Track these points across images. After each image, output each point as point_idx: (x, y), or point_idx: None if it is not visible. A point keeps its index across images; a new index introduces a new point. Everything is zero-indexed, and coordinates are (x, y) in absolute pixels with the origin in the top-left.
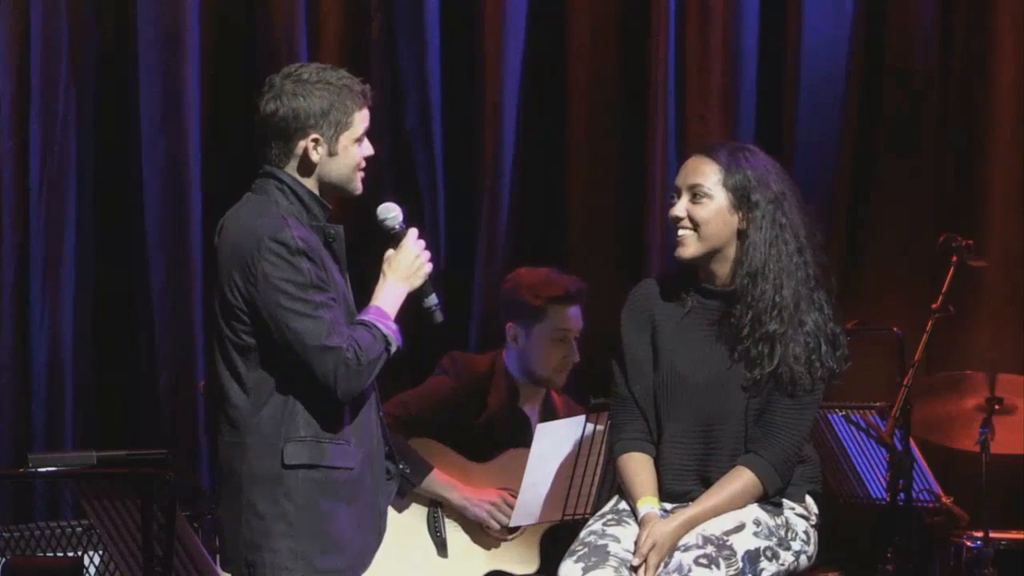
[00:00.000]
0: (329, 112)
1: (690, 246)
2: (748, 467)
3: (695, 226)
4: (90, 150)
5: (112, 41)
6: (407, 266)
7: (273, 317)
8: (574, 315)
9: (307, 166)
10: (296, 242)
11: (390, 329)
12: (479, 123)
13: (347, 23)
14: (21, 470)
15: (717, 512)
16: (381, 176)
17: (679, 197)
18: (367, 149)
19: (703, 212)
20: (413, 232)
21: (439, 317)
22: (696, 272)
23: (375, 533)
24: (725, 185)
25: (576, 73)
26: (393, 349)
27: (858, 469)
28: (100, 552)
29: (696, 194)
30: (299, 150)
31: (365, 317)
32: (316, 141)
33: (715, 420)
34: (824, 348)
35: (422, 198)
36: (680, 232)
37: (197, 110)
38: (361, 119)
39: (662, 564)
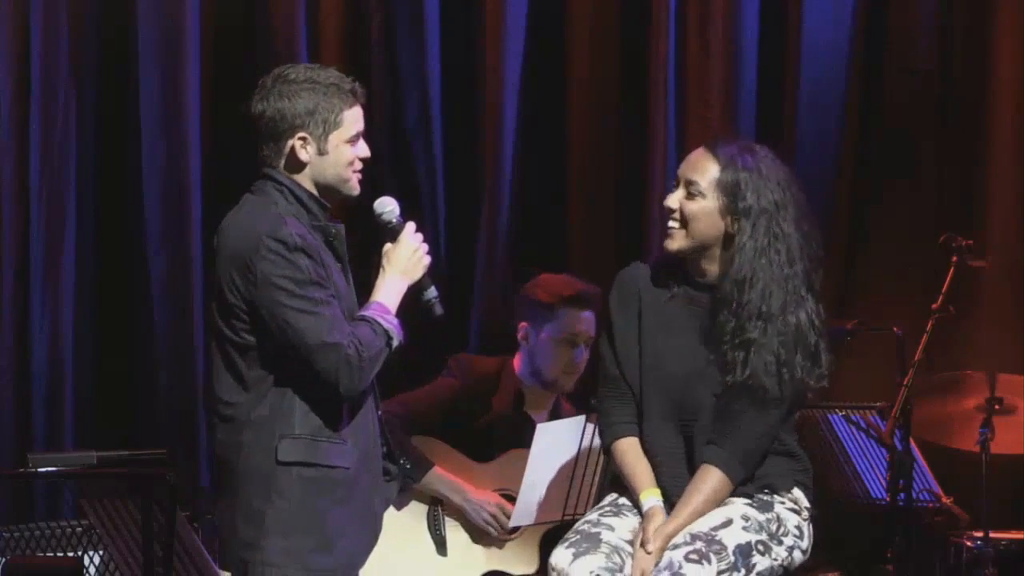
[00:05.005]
0: (315, 111)
1: (677, 240)
2: (710, 462)
3: (684, 221)
4: (90, 150)
5: (112, 41)
6: (406, 259)
7: (273, 315)
8: (585, 319)
9: (298, 166)
10: (294, 239)
11: (391, 324)
12: (479, 123)
13: (347, 22)
14: (21, 470)
15: (695, 518)
16: (381, 176)
17: (678, 187)
18: (362, 150)
19: (693, 208)
20: (411, 225)
21: (439, 310)
22: (684, 263)
23: (369, 534)
24: (718, 186)
25: (576, 73)
26: (395, 343)
27: (858, 469)
28: (100, 552)
29: (690, 189)
30: (287, 149)
31: (365, 312)
32: (304, 140)
33: (689, 413)
34: (799, 359)
35: (422, 198)
36: (670, 224)
37: (197, 110)
38: (352, 118)
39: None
